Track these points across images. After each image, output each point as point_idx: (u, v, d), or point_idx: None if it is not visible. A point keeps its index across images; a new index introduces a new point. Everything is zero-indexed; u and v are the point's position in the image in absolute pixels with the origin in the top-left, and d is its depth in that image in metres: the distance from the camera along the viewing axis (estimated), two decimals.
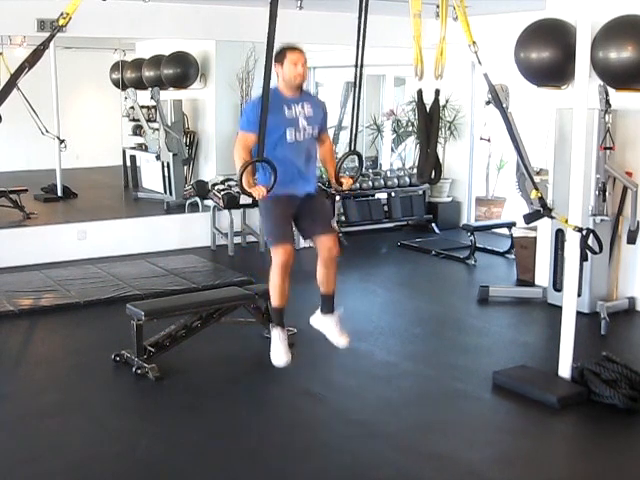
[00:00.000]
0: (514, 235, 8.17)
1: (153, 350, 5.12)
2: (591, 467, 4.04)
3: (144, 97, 10.01)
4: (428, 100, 4.66)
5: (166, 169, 9.99)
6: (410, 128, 10.45)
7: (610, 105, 6.10)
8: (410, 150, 11.32)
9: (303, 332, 5.17)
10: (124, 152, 10.54)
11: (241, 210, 8.74)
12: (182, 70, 9.73)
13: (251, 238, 8.83)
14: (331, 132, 10.62)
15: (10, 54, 8.57)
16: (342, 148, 9.64)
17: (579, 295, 5.59)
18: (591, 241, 4.80)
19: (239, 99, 9.54)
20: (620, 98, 6.19)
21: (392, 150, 11.86)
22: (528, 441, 4.30)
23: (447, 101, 9.60)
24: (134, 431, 4.33)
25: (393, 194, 9.87)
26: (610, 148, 6.13)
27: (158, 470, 3.91)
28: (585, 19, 4.75)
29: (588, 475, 3.97)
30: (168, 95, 10.02)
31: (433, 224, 9.93)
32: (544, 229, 6.88)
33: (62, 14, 3.72)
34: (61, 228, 8.37)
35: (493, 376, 4.97)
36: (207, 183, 9.04)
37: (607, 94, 6.07)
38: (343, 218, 9.44)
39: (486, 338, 5.99)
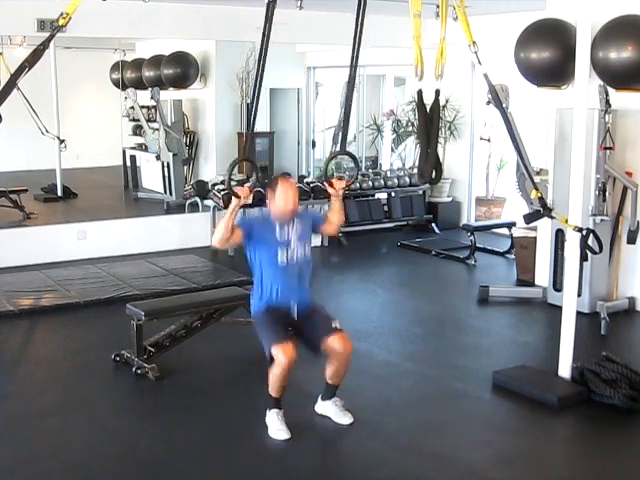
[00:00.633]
0: (514, 235, 8.17)
1: (153, 350, 5.12)
2: (591, 467, 4.04)
3: (144, 97, 10.01)
4: (428, 100, 4.66)
5: (166, 169, 10.00)
6: (410, 128, 10.46)
7: (610, 105, 6.10)
8: (410, 150, 11.33)
9: None
10: (124, 152, 10.55)
11: (241, 210, 8.72)
12: (182, 70, 9.74)
13: None
14: (331, 132, 10.65)
15: (10, 54, 8.57)
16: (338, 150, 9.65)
17: (579, 295, 5.59)
18: (591, 241, 4.80)
19: (239, 99, 9.55)
20: (620, 98, 6.19)
21: (392, 150, 11.87)
22: (528, 441, 4.30)
23: (447, 101, 9.60)
24: (134, 431, 4.34)
25: (393, 194, 9.87)
26: (610, 148, 6.13)
27: (158, 470, 3.91)
28: (585, 19, 4.75)
29: (588, 475, 3.97)
30: (168, 95, 10.03)
31: (433, 224, 9.93)
32: (544, 229, 6.88)
33: (62, 14, 3.72)
34: (61, 228, 8.38)
35: (493, 376, 4.97)
36: (207, 183, 9.04)
37: (607, 94, 6.07)
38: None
39: (486, 338, 5.99)
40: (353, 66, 4.32)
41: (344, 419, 4.36)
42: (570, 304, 4.83)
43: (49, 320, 6.25)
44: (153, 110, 10.14)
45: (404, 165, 10.93)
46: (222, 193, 8.48)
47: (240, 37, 8.38)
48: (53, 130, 9.41)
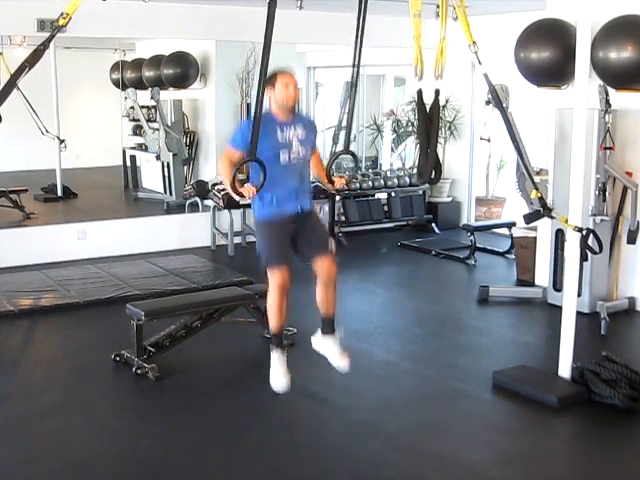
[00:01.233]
0: (514, 235, 8.17)
1: (153, 350, 5.12)
2: (591, 467, 4.04)
3: (144, 97, 10.01)
4: (428, 100, 4.66)
5: (166, 169, 10.00)
6: (410, 128, 10.45)
7: (610, 105, 6.10)
8: (410, 150, 11.32)
9: (303, 332, 5.17)
10: (124, 152, 10.54)
11: (241, 210, 8.74)
12: (182, 70, 9.74)
13: (251, 238, 8.79)
14: (331, 132, 10.64)
15: (10, 54, 8.57)
16: (341, 148, 9.63)
17: (579, 295, 5.59)
18: (591, 241, 4.80)
19: (239, 99, 9.54)
20: (620, 98, 6.19)
21: (392, 150, 11.86)
22: (528, 441, 4.30)
23: (447, 101, 9.60)
24: (134, 431, 4.34)
25: (393, 194, 9.86)
26: (610, 148, 6.13)
27: (158, 470, 3.91)
28: (585, 19, 4.75)
29: (588, 475, 3.97)
30: (168, 95, 10.02)
31: (433, 224, 9.92)
32: (544, 229, 6.88)
33: (62, 14, 3.72)
34: (61, 228, 8.38)
35: (493, 376, 4.97)
36: (207, 183, 9.04)
37: (607, 94, 6.07)
38: (343, 218, 9.44)
39: (486, 338, 5.99)
40: (356, 65, 4.31)
41: (340, 362, 4.31)
42: (570, 304, 4.83)
43: (49, 320, 6.26)
44: (153, 110, 10.14)
45: (404, 165, 10.93)
46: (222, 193, 8.49)
47: (240, 37, 8.39)
48: (53, 130, 9.40)
